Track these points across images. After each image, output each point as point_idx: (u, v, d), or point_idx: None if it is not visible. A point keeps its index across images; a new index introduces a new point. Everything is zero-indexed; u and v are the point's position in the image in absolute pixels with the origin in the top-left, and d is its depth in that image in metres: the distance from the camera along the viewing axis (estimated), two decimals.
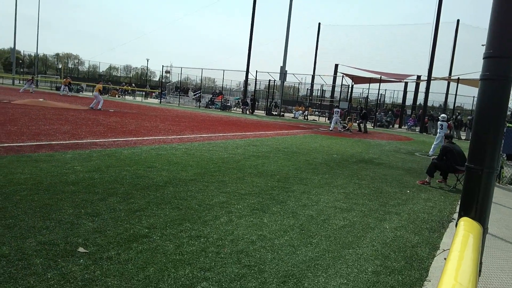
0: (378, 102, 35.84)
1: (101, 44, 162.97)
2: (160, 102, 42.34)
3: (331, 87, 41.27)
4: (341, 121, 24.89)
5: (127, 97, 48.42)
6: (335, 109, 24.65)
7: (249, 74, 39.60)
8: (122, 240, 3.62)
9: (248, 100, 38.78)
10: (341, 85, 37.01)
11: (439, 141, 14.42)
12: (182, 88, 46.92)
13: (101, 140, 9.75)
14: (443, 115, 16.08)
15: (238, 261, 3.46)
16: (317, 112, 41.72)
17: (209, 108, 39.67)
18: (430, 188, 8.05)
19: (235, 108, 40.94)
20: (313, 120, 36.21)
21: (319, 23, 44.71)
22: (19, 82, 57.80)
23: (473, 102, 36.57)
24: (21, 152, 7.12)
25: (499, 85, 2.95)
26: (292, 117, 36.54)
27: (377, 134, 23.85)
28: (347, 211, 5.47)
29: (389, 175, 8.89)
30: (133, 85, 56.51)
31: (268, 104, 39.29)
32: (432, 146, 14.96)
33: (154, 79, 79.19)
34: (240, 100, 41.52)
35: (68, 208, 4.34)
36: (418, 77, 36.41)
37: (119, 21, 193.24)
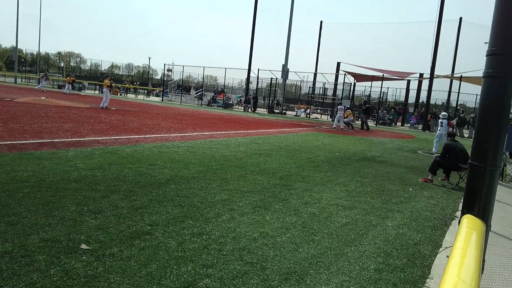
0: (381, 100, 35.77)
1: (103, 42, 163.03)
2: (162, 100, 42.38)
3: (333, 85, 41.19)
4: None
5: (129, 95, 48.48)
6: (338, 106, 24.50)
7: (251, 72, 39.61)
8: (124, 237, 3.63)
9: (250, 98, 38.77)
10: (343, 83, 36.95)
11: (439, 138, 14.39)
12: (184, 86, 46.94)
13: (103, 138, 9.76)
14: (444, 112, 16.04)
15: (240, 258, 3.47)
16: (319, 110, 41.66)
17: (211, 106, 39.70)
18: (433, 186, 8.03)
19: (237, 106, 40.93)
20: (315, 118, 36.17)
21: (321, 21, 44.56)
22: (21, 81, 57.96)
23: (476, 100, 36.54)
24: (24, 150, 7.14)
25: (502, 83, 2.94)
26: (294, 115, 36.52)
27: (379, 132, 23.81)
28: (349, 209, 5.47)
29: (391, 173, 8.87)
30: (136, 83, 56.51)
31: (270, 102, 39.26)
32: (434, 144, 14.92)
33: (156, 77, 79.21)
34: (242, 98, 41.52)
35: (71, 205, 4.36)
36: (421, 75, 36.32)
37: (121, 20, 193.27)
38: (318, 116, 38.62)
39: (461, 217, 2.94)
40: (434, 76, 31.76)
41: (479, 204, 2.93)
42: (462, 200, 6.69)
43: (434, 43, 30.75)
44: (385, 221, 5.12)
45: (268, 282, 3.09)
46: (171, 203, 4.81)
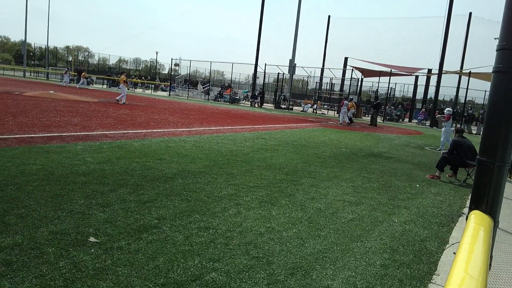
0: (388, 96, 35.52)
1: (110, 37, 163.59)
2: (169, 95, 42.46)
3: (340, 81, 40.95)
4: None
5: (137, 90, 48.64)
6: (344, 101, 24.31)
7: (258, 67, 39.50)
8: (132, 231, 3.66)
9: (257, 93, 38.70)
10: (351, 78, 36.74)
11: (445, 135, 14.24)
12: (191, 81, 46.98)
13: (111, 132, 9.82)
14: (448, 108, 15.87)
15: (246, 252, 3.48)
16: (326, 106, 41.48)
17: (218, 101, 39.70)
18: (440, 182, 7.98)
19: (243, 101, 40.91)
20: (322, 113, 36.04)
21: (329, 16, 44.26)
22: (30, 74, 58.37)
23: (484, 96, 36.12)
24: (33, 143, 7.21)
25: None
26: (301, 111, 36.40)
27: (386, 128, 23.67)
28: (356, 205, 5.46)
29: (398, 169, 8.83)
30: (145, 78, 56.62)
31: (277, 97, 39.16)
32: (441, 141, 14.77)
33: (164, 72, 79.36)
34: (248, 93, 41.47)
35: (79, 198, 4.40)
36: (429, 70, 35.97)
37: (128, 14, 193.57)
38: (325, 111, 38.45)
39: (468, 212, 2.93)
40: (443, 71, 31.44)
41: (487, 200, 2.91)
42: (469, 197, 6.65)
43: (443, 38, 30.43)
44: (392, 217, 5.11)
45: (274, 276, 3.10)
46: (178, 197, 4.84)
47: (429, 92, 37.38)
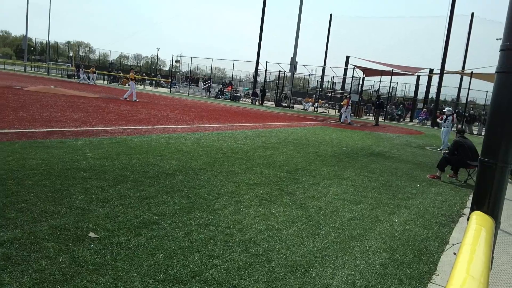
0: (390, 95, 35.48)
1: (112, 33, 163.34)
2: (170, 92, 42.42)
3: (341, 79, 40.88)
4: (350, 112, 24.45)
5: (137, 86, 48.54)
6: (344, 100, 24.27)
7: (259, 64, 39.45)
8: (132, 226, 3.66)
9: (258, 91, 38.65)
10: (352, 77, 36.66)
11: (445, 135, 14.25)
12: (192, 78, 46.92)
13: (111, 128, 9.81)
14: (448, 108, 15.82)
15: (246, 250, 3.48)
16: (327, 104, 41.44)
17: (219, 98, 39.67)
18: (441, 182, 7.98)
19: (244, 99, 40.86)
20: (323, 112, 36.01)
21: (331, 14, 44.06)
22: (31, 69, 58.28)
23: (486, 96, 36.04)
24: (33, 138, 7.20)
25: None
26: (302, 109, 36.38)
27: (387, 127, 23.65)
28: (356, 204, 5.46)
29: (399, 169, 8.83)
30: (148, 74, 56.52)
31: (278, 95, 39.11)
32: (442, 140, 14.76)
33: (164, 68, 79.18)
34: (249, 90, 41.42)
35: (79, 193, 4.40)
36: (431, 70, 35.89)
37: (130, 11, 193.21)
38: (326, 110, 38.42)
39: (470, 213, 2.92)
40: (445, 72, 31.37)
41: (488, 201, 2.90)
42: (470, 198, 6.64)
43: (445, 38, 30.34)
44: (392, 216, 5.10)
45: (274, 274, 3.10)
46: (178, 194, 4.83)
47: (430, 92, 37.34)
